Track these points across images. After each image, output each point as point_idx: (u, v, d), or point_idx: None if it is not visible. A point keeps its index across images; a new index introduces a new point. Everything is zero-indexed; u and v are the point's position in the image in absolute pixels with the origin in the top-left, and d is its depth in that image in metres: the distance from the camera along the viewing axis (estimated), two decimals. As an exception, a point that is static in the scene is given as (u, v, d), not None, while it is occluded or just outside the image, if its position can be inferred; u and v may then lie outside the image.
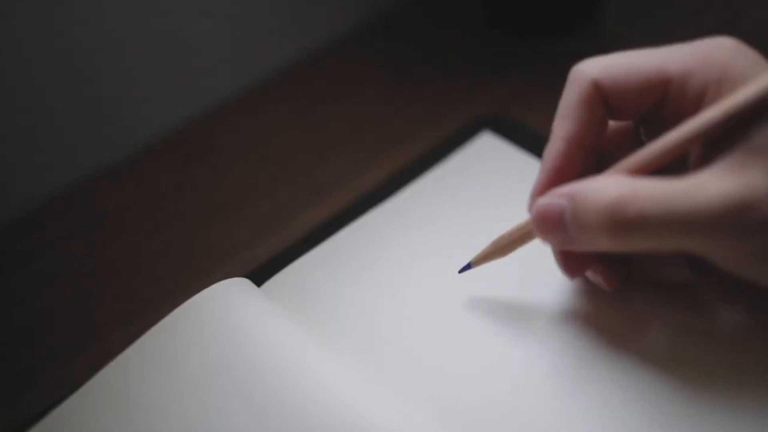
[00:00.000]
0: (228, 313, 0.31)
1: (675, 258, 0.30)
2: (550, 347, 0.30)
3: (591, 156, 0.29)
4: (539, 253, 0.32)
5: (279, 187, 0.44)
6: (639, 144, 0.29)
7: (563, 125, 0.29)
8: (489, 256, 0.31)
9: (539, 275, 0.33)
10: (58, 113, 0.44)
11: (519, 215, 0.31)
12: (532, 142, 0.39)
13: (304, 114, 0.49)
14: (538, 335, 0.31)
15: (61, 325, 0.38)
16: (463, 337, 0.31)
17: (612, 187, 0.25)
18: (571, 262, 0.29)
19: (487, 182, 0.38)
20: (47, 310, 0.39)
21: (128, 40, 0.45)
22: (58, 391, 0.33)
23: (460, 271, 0.32)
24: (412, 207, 0.37)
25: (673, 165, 0.27)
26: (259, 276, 0.34)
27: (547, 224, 0.27)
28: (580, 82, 0.28)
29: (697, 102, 0.27)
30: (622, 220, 0.25)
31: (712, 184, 0.24)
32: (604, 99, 0.28)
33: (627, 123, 0.31)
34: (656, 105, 0.28)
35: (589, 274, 0.31)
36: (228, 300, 0.32)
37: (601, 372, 0.29)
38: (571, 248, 0.28)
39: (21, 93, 0.43)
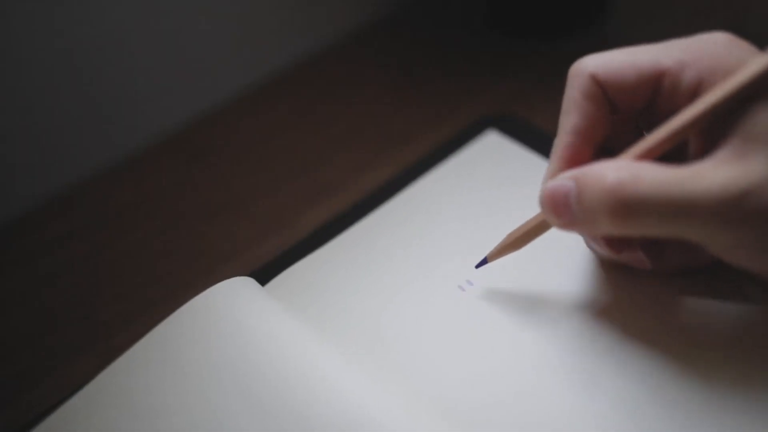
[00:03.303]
0: (232, 312, 0.31)
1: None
2: (557, 346, 0.30)
3: (599, 152, 0.30)
4: (546, 254, 0.32)
5: (279, 187, 0.44)
6: None
7: (568, 119, 0.29)
8: (504, 249, 0.31)
9: (544, 276, 0.33)
10: (58, 113, 0.44)
11: (525, 213, 0.31)
12: (538, 141, 0.39)
13: (304, 114, 0.49)
14: (545, 334, 0.31)
15: (62, 325, 0.38)
16: (468, 337, 0.31)
17: (613, 170, 0.26)
18: (613, 239, 0.29)
19: (493, 180, 0.38)
20: (47, 310, 0.39)
21: (128, 40, 0.45)
22: (59, 392, 0.33)
23: (477, 266, 0.32)
24: (417, 205, 0.37)
25: (673, 157, 0.27)
26: (263, 275, 0.34)
27: (554, 206, 0.28)
28: (580, 76, 0.29)
29: (692, 94, 0.27)
30: (622, 203, 0.25)
31: (711, 173, 0.25)
32: (603, 92, 0.29)
33: (632, 120, 0.31)
34: (653, 98, 0.28)
35: (624, 255, 0.31)
36: (232, 299, 0.32)
37: (611, 372, 0.29)
38: (576, 230, 0.28)
39: (21, 93, 0.43)
